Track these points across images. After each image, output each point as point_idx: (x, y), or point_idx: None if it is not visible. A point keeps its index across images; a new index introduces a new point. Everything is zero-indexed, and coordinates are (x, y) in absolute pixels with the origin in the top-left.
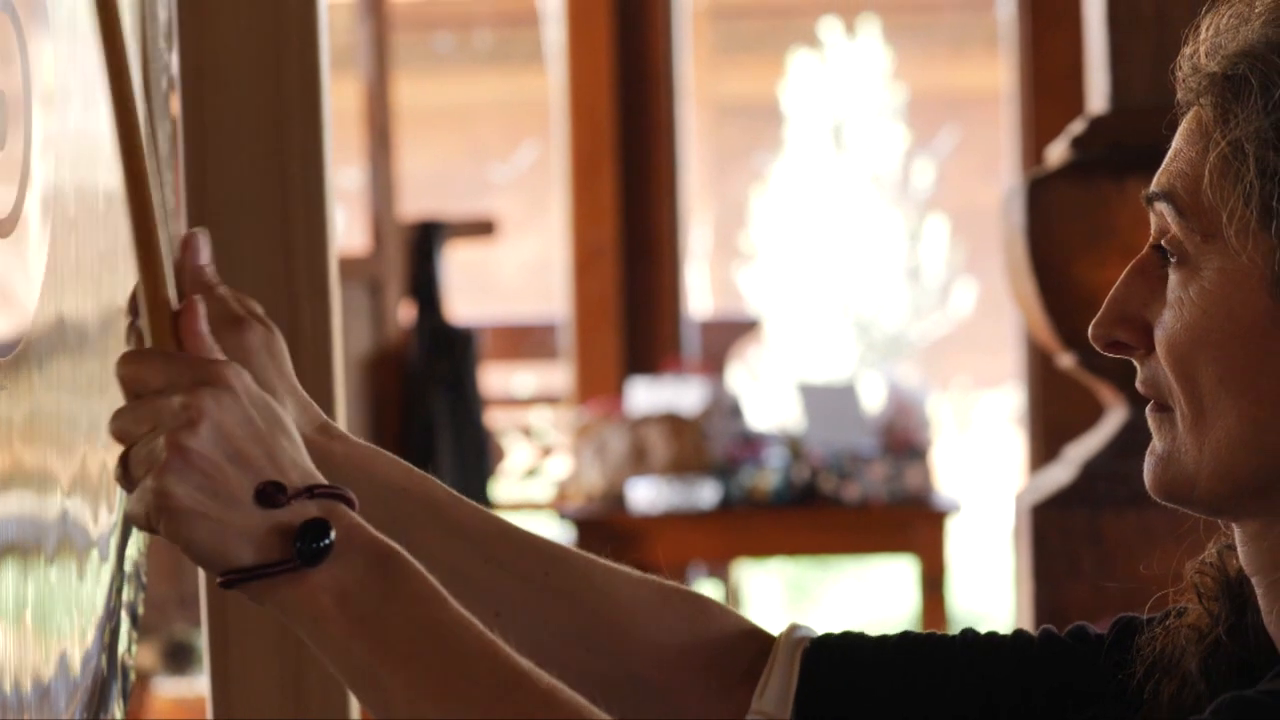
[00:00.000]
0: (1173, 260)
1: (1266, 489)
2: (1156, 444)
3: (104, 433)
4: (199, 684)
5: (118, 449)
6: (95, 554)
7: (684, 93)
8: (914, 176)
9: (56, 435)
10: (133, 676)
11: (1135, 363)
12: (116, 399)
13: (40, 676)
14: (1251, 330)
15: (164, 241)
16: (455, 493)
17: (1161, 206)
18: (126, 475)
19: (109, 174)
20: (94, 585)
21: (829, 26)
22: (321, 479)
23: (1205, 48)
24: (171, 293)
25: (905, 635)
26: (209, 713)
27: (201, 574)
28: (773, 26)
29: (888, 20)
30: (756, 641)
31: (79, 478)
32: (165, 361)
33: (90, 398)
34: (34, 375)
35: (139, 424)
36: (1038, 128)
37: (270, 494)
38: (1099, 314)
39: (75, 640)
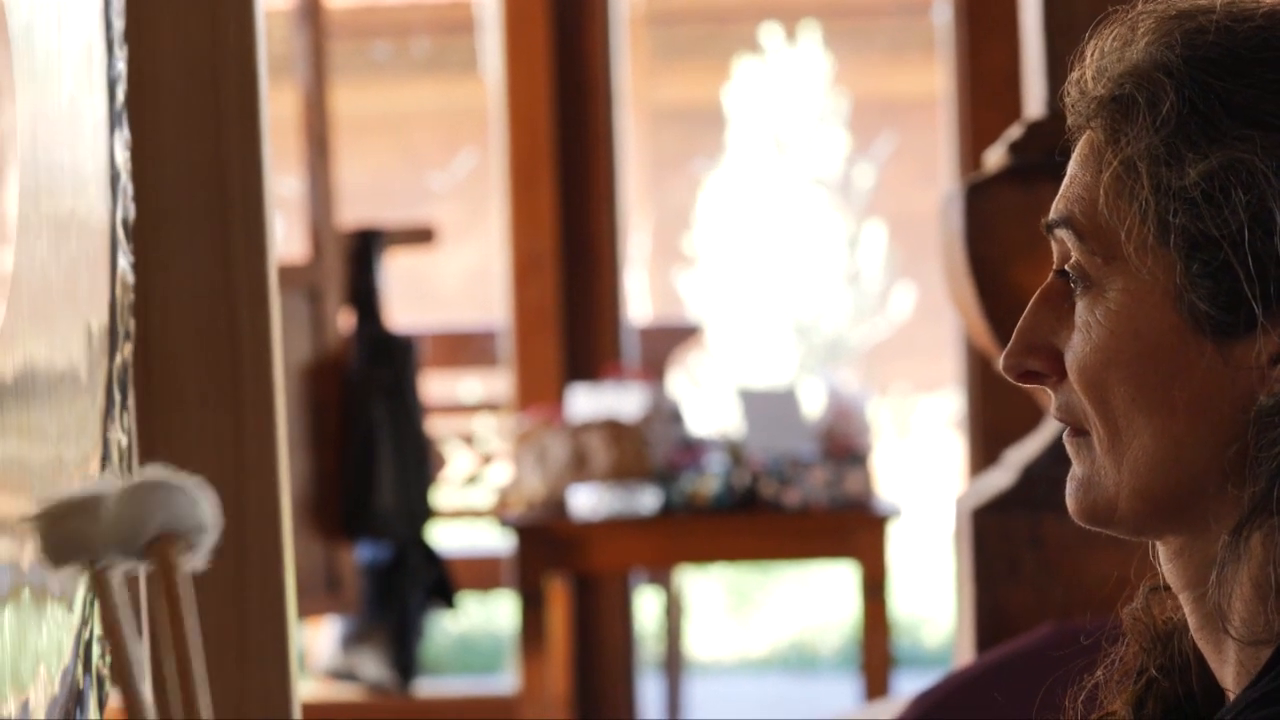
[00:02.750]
0: (1077, 285)
1: (1186, 505)
2: (1076, 469)
3: (73, 463)
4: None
5: (88, 469)
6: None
7: (622, 99)
8: (853, 181)
9: (28, 479)
10: (108, 686)
11: (1049, 391)
12: (90, 426)
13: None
14: (1159, 347)
15: None
16: None
17: (1061, 233)
18: None
19: (71, 198)
20: (67, 601)
21: (770, 32)
22: None
23: (1091, 72)
24: None
25: None
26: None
27: (143, 585)
28: (710, 32)
29: (827, 26)
30: None
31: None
32: None
33: (65, 436)
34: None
35: None
36: (975, 133)
37: None
38: (1009, 345)
39: (39, 688)
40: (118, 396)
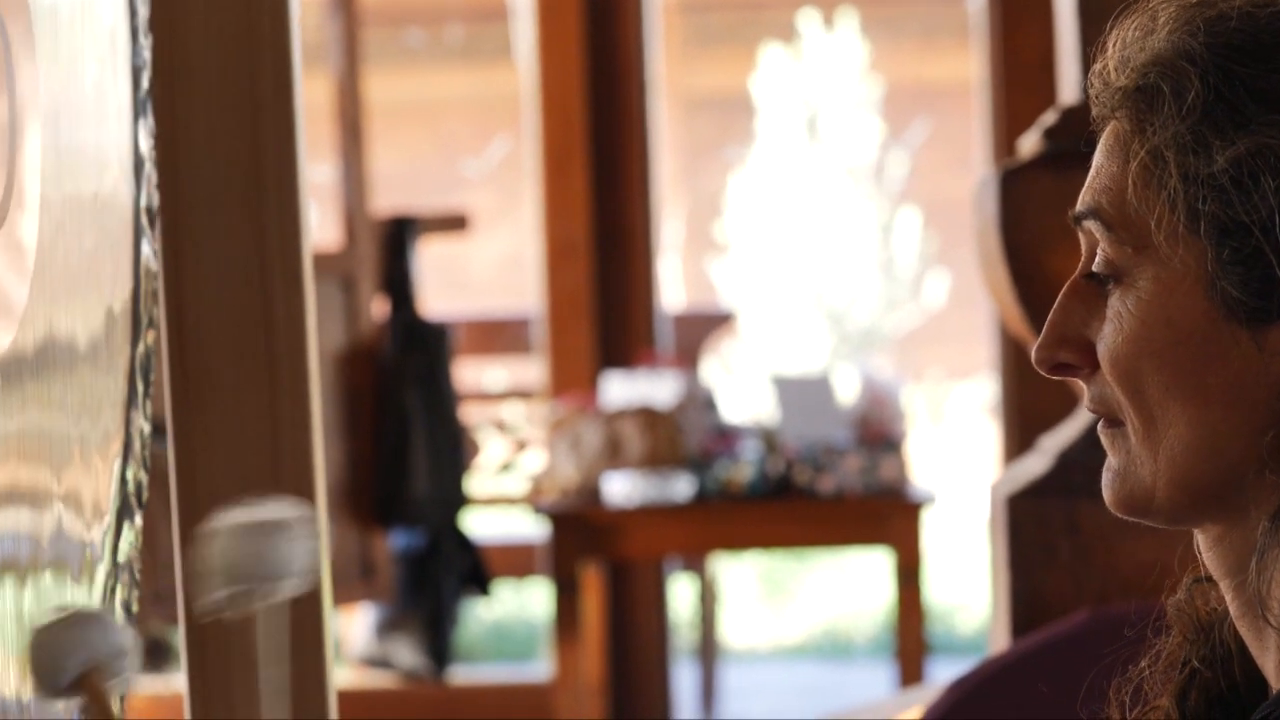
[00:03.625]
0: (1107, 276)
1: (1224, 493)
2: (1111, 460)
3: (97, 436)
4: (176, 681)
5: (110, 451)
6: (88, 554)
7: (655, 86)
8: (887, 168)
9: (48, 447)
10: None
11: (1082, 383)
12: (112, 407)
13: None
14: (1192, 334)
15: None
16: None
17: (1089, 224)
18: None
19: (95, 181)
20: (88, 587)
21: (805, 19)
22: None
23: (1114, 62)
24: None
25: None
26: (186, 710)
27: (178, 571)
28: (744, 19)
29: (862, 12)
30: None
31: (72, 491)
32: None
33: (83, 411)
34: (24, 387)
35: None
36: (1009, 119)
37: None
38: (1040, 339)
39: None
40: (140, 385)
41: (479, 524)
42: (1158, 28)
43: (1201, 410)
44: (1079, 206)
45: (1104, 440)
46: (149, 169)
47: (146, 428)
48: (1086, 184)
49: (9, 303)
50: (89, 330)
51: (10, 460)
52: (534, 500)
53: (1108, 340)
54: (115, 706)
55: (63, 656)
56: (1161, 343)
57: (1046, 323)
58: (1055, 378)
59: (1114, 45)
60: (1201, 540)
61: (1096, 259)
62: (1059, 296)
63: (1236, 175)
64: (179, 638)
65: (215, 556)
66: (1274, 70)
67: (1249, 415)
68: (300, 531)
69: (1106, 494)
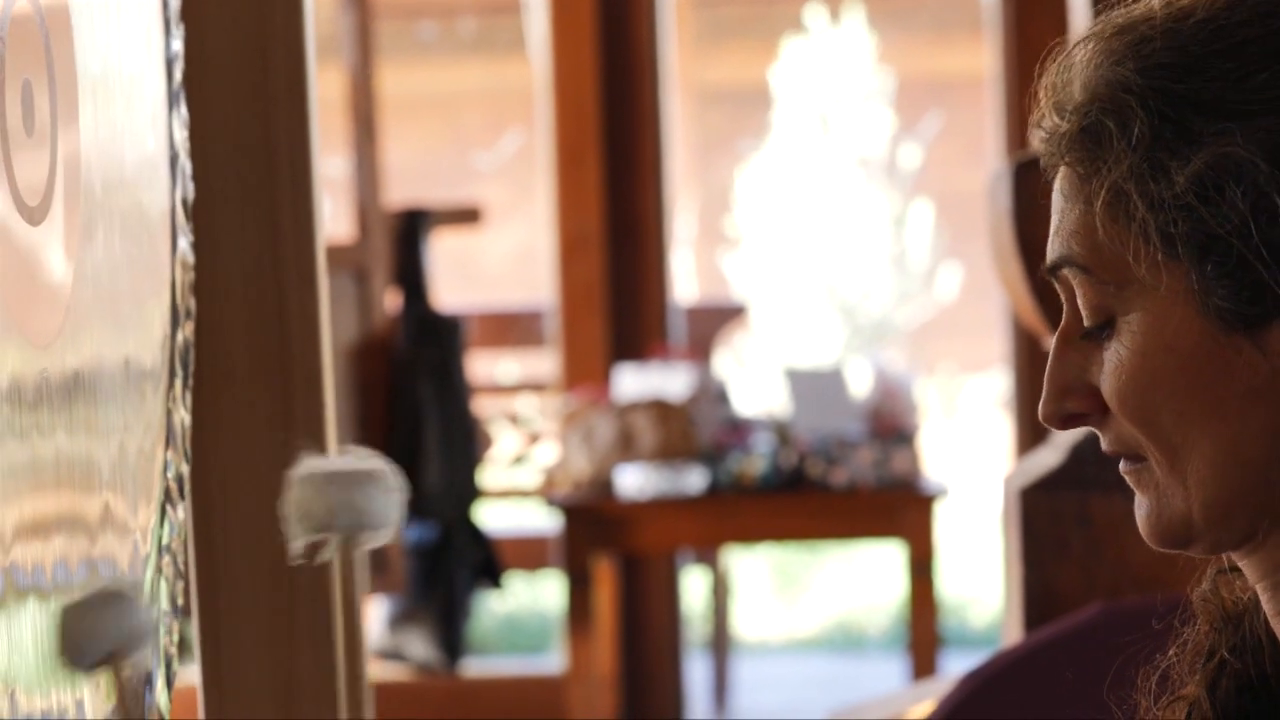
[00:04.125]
0: (1097, 322)
1: (1258, 501)
2: (1141, 498)
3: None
4: (189, 674)
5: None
6: (134, 543)
7: (668, 79)
8: (899, 161)
9: (85, 476)
10: (176, 665)
11: (1096, 430)
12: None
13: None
14: (1195, 355)
15: None
16: None
17: (1067, 273)
18: None
19: (134, 170)
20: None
21: (814, 13)
22: None
23: (1052, 108)
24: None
25: None
26: (200, 703)
27: (193, 563)
28: (756, 13)
29: (872, 5)
30: None
31: (105, 514)
32: None
33: (129, 397)
34: (59, 405)
35: None
36: (1022, 112)
37: None
38: (1043, 396)
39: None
40: (180, 374)
41: (491, 516)
42: (1084, 65)
43: (1220, 426)
44: (1051, 257)
45: (1130, 480)
46: (184, 161)
47: (187, 419)
48: (1052, 234)
49: (57, 297)
50: (135, 346)
51: (62, 487)
52: (546, 493)
53: (1111, 382)
54: (163, 700)
55: (89, 636)
56: (1167, 371)
57: (1045, 378)
58: (1068, 430)
59: (1046, 92)
60: (1237, 550)
61: (1081, 305)
62: (1051, 350)
63: (1201, 191)
64: (194, 631)
65: (298, 504)
66: (1211, 79)
67: (1266, 419)
68: (387, 484)
69: (1144, 531)
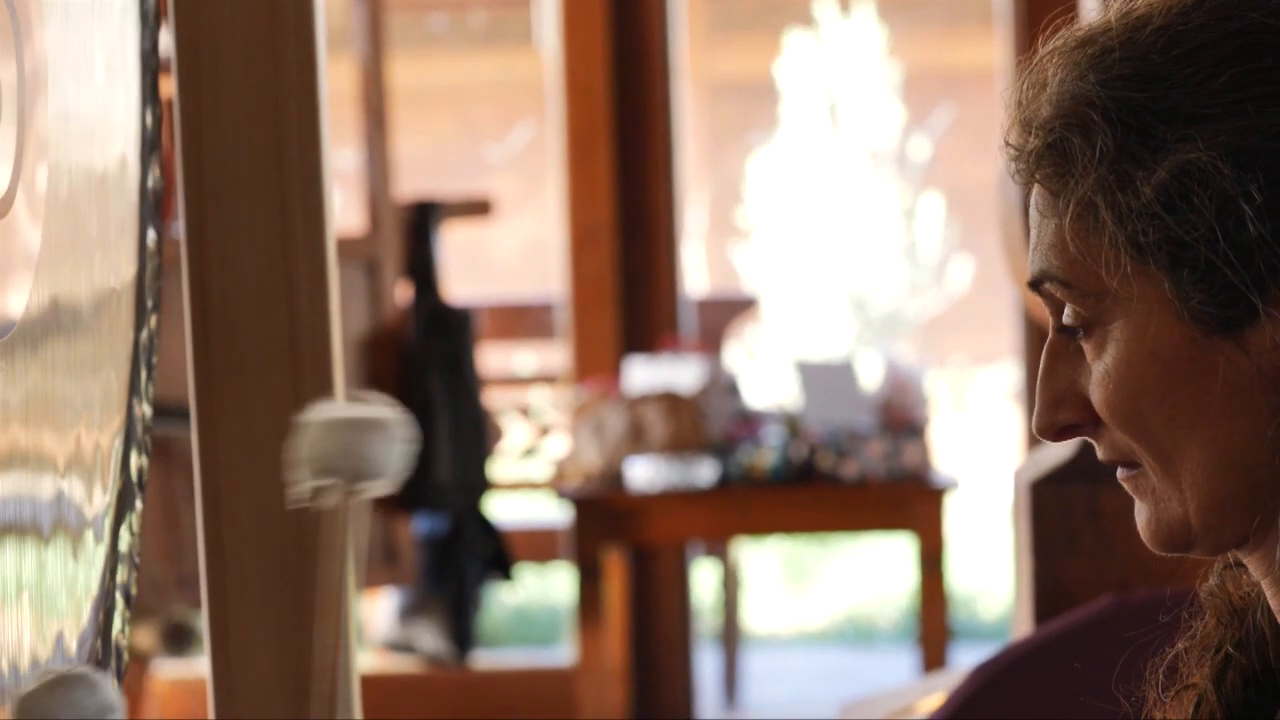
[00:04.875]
0: (1080, 333)
1: (1252, 500)
2: (1140, 505)
3: (98, 412)
4: (199, 665)
5: (110, 428)
6: (90, 534)
7: (679, 72)
8: (910, 154)
9: (52, 416)
10: (126, 658)
11: (1091, 440)
12: (109, 378)
13: (37, 656)
14: (1179, 361)
15: None
16: None
17: (1048, 287)
18: None
19: (102, 154)
20: (89, 566)
21: (824, 5)
22: None
23: (1020, 126)
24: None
25: None
26: (209, 694)
27: (202, 554)
28: (767, 5)
29: None
30: None
31: (74, 458)
32: None
33: (84, 378)
34: (29, 357)
35: None
36: None
37: None
38: (1036, 408)
39: (72, 620)
40: (143, 371)
41: (502, 509)
42: (1049, 81)
43: (1210, 429)
44: (1031, 272)
45: (1128, 488)
46: (155, 154)
47: (148, 413)
48: (1031, 248)
49: (30, 259)
50: (93, 300)
51: (12, 424)
52: (557, 485)
53: (1100, 392)
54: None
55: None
56: (1153, 379)
57: (1037, 392)
58: (1062, 441)
59: (1014, 110)
60: (1241, 548)
61: (1065, 317)
62: (1041, 363)
63: (1166, 200)
64: (202, 621)
65: (306, 447)
66: (1172, 86)
67: (1254, 418)
68: (395, 433)
69: (1145, 536)
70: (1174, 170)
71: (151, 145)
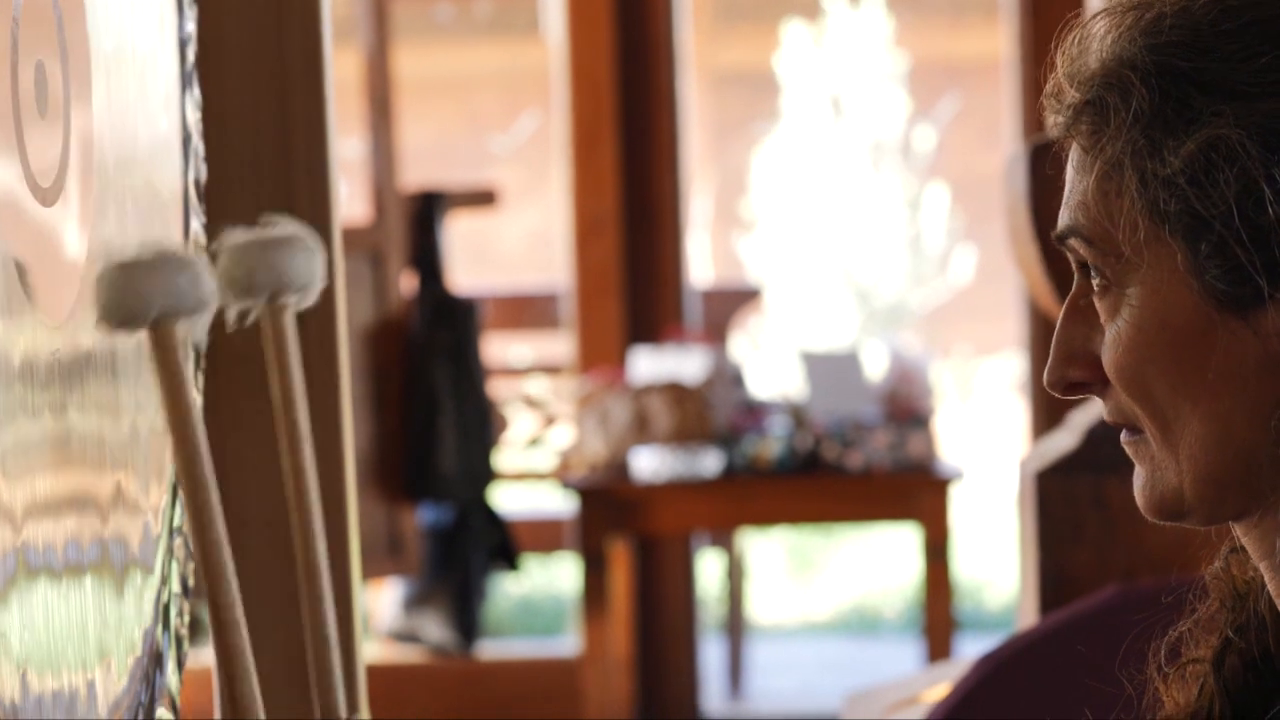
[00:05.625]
0: (1099, 289)
1: (1248, 479)
2: (1139, 469)
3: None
4: (204, 655)
5: (145, 467)
6: (146, 524)
7: (684, 62)
8: (914, 144)
9: (97, 454)
10: (186, 646)
11: (1099, 399)
12: (149, 412)
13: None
14: (1188, 332)
15: None
16: None
17: (1072, 242)
18: None
19: (146, 147)
20: (149, 564)
21: None
22: None
23: (1064, 80)
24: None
25: None
26: (215, 684)
27: (195, 549)
28: None
29: None
30: None
31: (117, 494)
32: None
33: (131, 375)
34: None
35: None
36: (1039, 94)
37: None
38: (1049, 362)
39: (135, 619)
40: (190, 359)
41: (507, 499)
42: (1098, 40)
43: (1211, 404)
44: (1059, 226)
45: (1129, 451)
46: (196, 142)
47: (199, 400)
48: (1063, 203)
49: (70, 277)
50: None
51: (73, 465)
52: (562, 475)
53: (1110, 354)
54: (174, 681)
55: (142, 295)
56: (1161, 346)
57: (1052, 346)
58: (1071, 398)
59: (1061, 64)
60: (1238, 529)
61: (1089, 275)
62: (1059, 318)
63: (1192, 173)
64: (206, 611)
65: (223, 272)
66: (1217, 60)
67: (1257, 399)
68: (306, 245)
69: (1140, 502)
70: (1203, 143)
71: (190, 135)
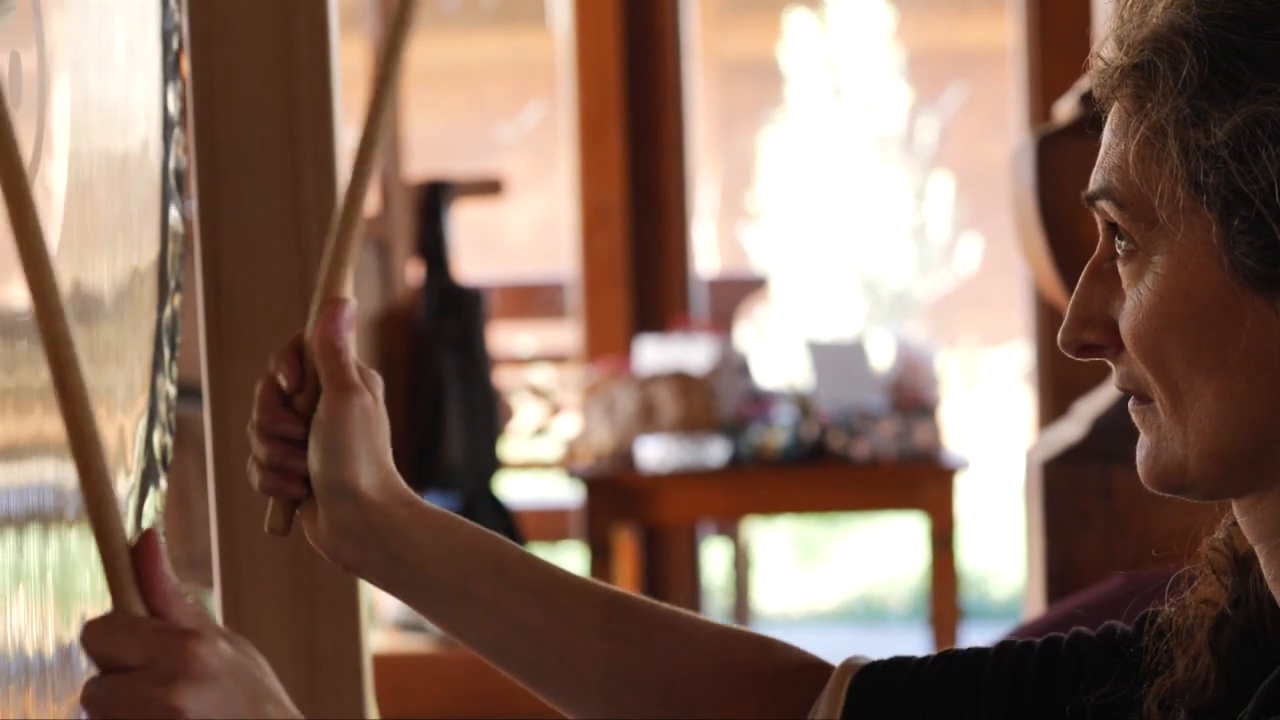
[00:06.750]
0: (1124, 253)
1: (1256, 459)
2: (1144, 438)
3: (120, 396)
4: None
5: (134, 412)
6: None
7: (691, 52)
8: (919, 134)
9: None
10: None
11: (1110, 363)
12: (132, 363)
13: (61, 639)
14: (1210, 306)
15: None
16: (522, 550)
17: (1103, 204)
18: None
19: (124, 136)
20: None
21: None
22: None
23: (1114, 42)
24: (128, 527)
25: (943, 655)
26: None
27: (214, 534)
28: None
29: None
30: (817, 674)
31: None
32: (134, 636)
33: (106, 365)
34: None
35: (119, 711)
36: (1044, 84)
37: None
38: (1064, 322)
39: (96, 602)
40: (166, 349)
41: (513, 488)
42: (1153, 4)
43: (1226, 380)
44: (1091, 187)
45: (1135, 418)
46: (178, 133)
47: (172, 391)
48: (1097, 163)
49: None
50: (114, 286)
51: (35, 410)
52: (568, 465)
53: (1129, 318)
54: None
55: None
56: (1181, 316)
57: (1069, 305)
58: (1083, 359)
59: (1113, 25)
60: (1236, 507)
61: (1114, 239)
62: (1080, 278)
63: (1235, 147)
64: (214, 602)
65: None
66: (1270, 37)
67: (1273, 381)
68: None
69: (1141, 471)
70: (1249, 118)
71: (173, 125)
